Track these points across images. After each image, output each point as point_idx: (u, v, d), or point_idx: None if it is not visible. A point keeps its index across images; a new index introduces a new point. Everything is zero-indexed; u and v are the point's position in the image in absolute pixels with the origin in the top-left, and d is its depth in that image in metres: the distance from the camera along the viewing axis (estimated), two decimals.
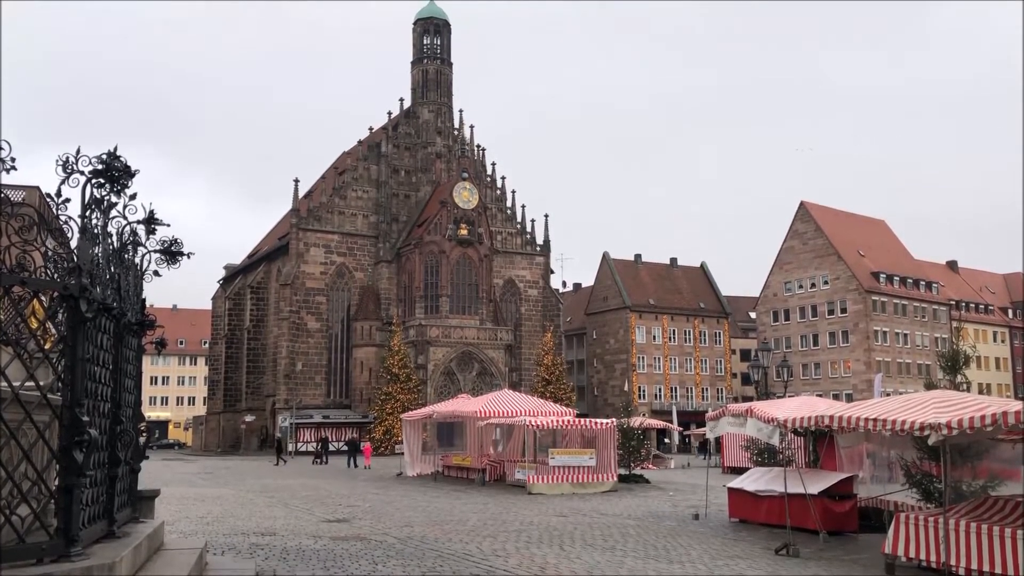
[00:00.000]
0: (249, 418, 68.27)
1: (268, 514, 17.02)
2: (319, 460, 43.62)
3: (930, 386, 15.88)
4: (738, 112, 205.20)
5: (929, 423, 10.31)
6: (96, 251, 5.78)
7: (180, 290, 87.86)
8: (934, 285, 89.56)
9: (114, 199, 5.91)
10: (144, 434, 8.02)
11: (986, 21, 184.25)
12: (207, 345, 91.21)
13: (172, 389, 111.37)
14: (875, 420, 11.22)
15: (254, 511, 17.69)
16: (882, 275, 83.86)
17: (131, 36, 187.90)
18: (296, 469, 38.54)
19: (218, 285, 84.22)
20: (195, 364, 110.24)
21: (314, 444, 52.25)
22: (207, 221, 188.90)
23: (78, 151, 5.53)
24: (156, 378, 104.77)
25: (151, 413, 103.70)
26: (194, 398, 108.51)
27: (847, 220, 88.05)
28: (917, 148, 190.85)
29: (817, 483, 14.85)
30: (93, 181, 5.60)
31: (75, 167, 5.49)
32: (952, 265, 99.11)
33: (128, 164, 5.73)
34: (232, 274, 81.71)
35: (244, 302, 74.70)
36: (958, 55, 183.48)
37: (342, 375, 68.14)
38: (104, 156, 5.63)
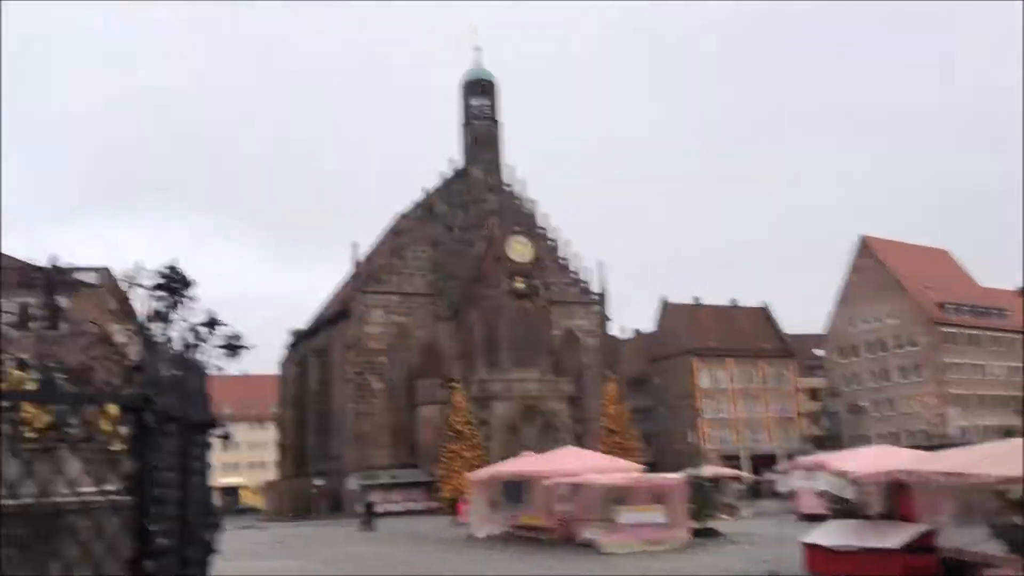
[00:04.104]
0: (319, 481, 68.75)
1: None
2: (366, 526, 41.57)
3: (1009, 434, 15.32)
4: (789, 146, 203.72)
5: (1008, 476, 9.95)
6: (158, 360, 5.97)
7: (248, 356, 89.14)
8: (1005, 312, 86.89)
9: (174, 308, 6.12)
10: (215, 526, 8.14)
11: None
12: (275, 410, 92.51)
13: (243, 455, 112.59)
14: (950, 474, 10.87)
15: None
16: (950, 306, 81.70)
17: (177, 102, 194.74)
18: (358, 535, 38.37)
19: (284, 350, 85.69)
20: (265, 429, 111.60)
21: (362, 507, 47.46)
22: (270, 285, 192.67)
23: (136, 266, 5.77)
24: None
25: (223, 479, 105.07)
26: (265, 462, 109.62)
27: (909, 252, 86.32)
28: (974, 171, 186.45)
29: (895, 536, 14.38)
30: (153, 295, 5.81)
31: (135, 282, 5.72)
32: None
33: (186, 276, 5.93)
34: (297, 339, 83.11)
35: (309, 366, 75.82)
36: (1012, 67, 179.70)
37: (407, 435, 68.34)
38: (164, 270, 5.85)
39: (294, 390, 77.64)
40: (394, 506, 60.93)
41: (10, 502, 4.88)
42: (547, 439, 61.05)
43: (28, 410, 5.31)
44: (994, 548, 13.52)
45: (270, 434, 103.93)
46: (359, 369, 67.23)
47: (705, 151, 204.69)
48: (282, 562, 24.33)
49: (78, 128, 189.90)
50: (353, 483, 62.17)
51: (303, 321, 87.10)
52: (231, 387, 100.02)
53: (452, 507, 44.15)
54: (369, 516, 43.30)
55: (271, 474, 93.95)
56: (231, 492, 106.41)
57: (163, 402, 5.92)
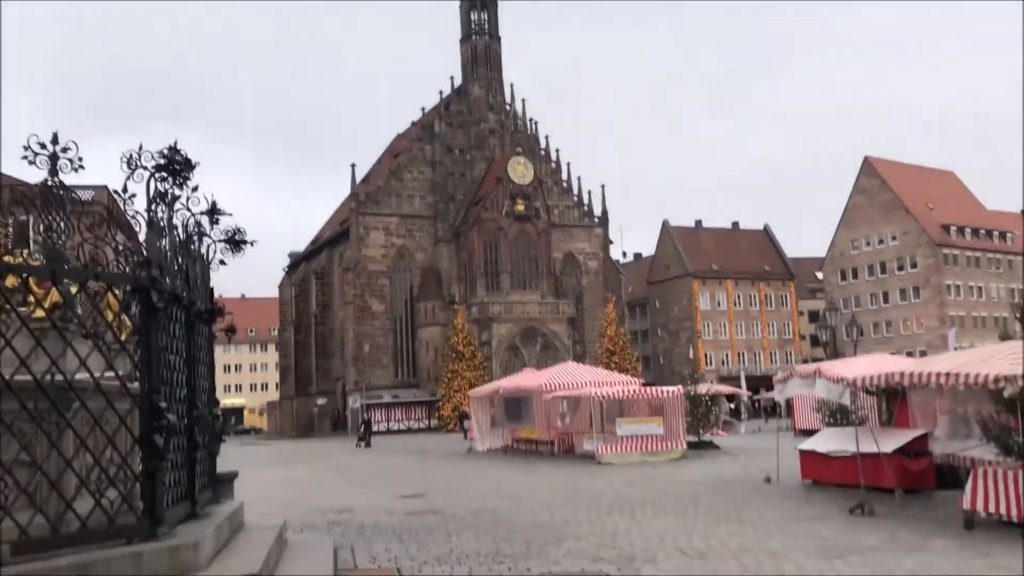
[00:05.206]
0: (321, 401, 69.68)
1: (344, 492, 17.44)
2: (363, 443, 42.27)
3: (1005, 338, 15.47)
4: (794, 64, 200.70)
5: (1004, 375, 10.08)
6: (163, 243, 5.98)
7: (247, 279, 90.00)
8: (1008, 235, 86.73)
9: (177, 192, 6.10)
10: (219, 418, 8.27)
11: None
12: (276, 332, 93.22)
13: (245, 376, 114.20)
14: (947, 374, 10.99)
15: (330, 490, 18.15)
16: (953, 227, 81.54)
17: (172, 18, 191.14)
18: (358, 449, 39.22)
19: (283, 272, 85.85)
20: (266, 351, 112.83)
21: (360, 424, 48.11)
22: (267, 208, 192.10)
23: (140, 147, 5.73)
24: (229, 366, 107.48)
25: (226, 401, 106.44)
26: (267, 384, 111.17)
27: (914, 173, 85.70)
28: (982, 92, 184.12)
29: (891, 441, 14.62)
30: (156, 175, 5.78)
31: (138, 163, 5.69)
32: None
33: (189, 157, 5.90)
34: (296, 261, 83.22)
35: (309, 288, 76.09)
36: None
37: (408, 355, 68.99)
38: (165, 151, 5.80)
39: (294, 312, 78.09)
40: (396, 424, 62.03)
41: (22, 377, 4.95)
42: (547, 360, 61.62)
43: (35, 288, 5.33)
44: (985, 452, 13.78)
45: (271, 356, 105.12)
46: (359, 291, 67.47)
47: (710, 71, 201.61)
48: (290, 471, 24.84)
49: (67, 41, 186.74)
50: (355, 402, 63.04)
51: (302, 244, 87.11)
52: (231, 309, 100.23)
53: (462, 425, 44.82)
54: (366, 433, 44.20)
55: (273, 396, 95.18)
56: (234, 413, 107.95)
57: (168, 284, 5.97)
